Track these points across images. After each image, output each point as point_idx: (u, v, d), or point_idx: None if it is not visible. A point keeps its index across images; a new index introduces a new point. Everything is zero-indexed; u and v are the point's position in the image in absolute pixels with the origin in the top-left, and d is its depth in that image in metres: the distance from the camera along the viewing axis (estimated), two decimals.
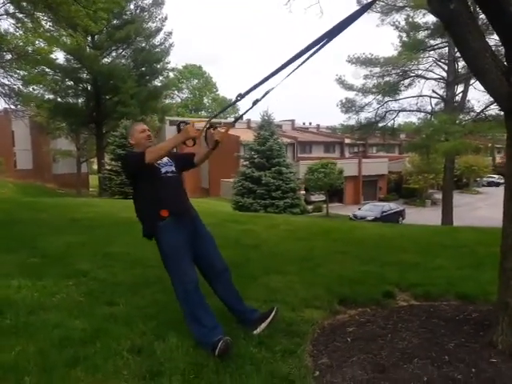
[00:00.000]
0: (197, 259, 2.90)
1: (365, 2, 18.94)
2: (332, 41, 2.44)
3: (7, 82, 16.40)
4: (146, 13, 30.75)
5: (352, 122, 21.96)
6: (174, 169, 2.99)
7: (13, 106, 19.38)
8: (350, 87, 20.76)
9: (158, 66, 32.55)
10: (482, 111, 18.56)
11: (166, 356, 2.54)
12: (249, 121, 43.87)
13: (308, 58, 2.52)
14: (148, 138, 3.00)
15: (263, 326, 2.89)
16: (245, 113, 3.11)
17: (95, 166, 35.83)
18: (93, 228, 7.29)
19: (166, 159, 2.98)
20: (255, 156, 24.12)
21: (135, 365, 2.45)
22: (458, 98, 20.61)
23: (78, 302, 3.45)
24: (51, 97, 30.13)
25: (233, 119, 3.61)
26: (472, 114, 20.17)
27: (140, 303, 3.47)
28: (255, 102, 2.79)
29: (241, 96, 2.69)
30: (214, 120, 2.97)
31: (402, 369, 2.35)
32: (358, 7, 2.38)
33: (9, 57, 15.48)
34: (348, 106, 21.02)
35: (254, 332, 2.84)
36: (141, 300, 3.56)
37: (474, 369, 2.28)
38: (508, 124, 2.53)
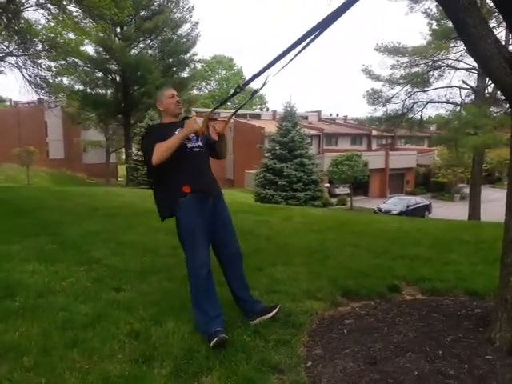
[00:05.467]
0: (213, 240, 2.88)
1: None
2: (326, 30, 2.39)
3: (38, 73, 16.87)
4: (173, 3, 30.96)
5: (379, 114, 21.55)
6: (200, 143, 2.89)
7: (43, 97, 19.94)
8: (376, 77, 20.32)
9: (185, 57, 32.79)
10: None
11: (161, 341, 2.60)
12: (274, 112, 43.73)
13: (305, 47, 2.48)
14: (178, 105, 2.90)
15: (262, 319, 2.88)
16: (244, 104, 3.12)
17: (124, 156, 36.61)
18: (112, 217, 7.47)
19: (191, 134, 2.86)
20: (277, 147, 24.02)
21: (130, 349, 2.52)
22: (489, 89, 19.84)
23: (86, 287, 3.55)
24: (81, 88, 30.89)
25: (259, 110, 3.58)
26: (505, 105, 19.38)
27: (145, 290, 3.55)
28: (254, 93, 2.79)
29: (240, 88, 2.66)
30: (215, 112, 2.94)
31: (393, 362, 2.32)
32: None
33: (39, 47, 15.93)
34: (375, 97, 20.59)
35: (251, 322, 2.85)
36: (147, 286, 3.64)
37: (468, 365, 2.23)
38: None
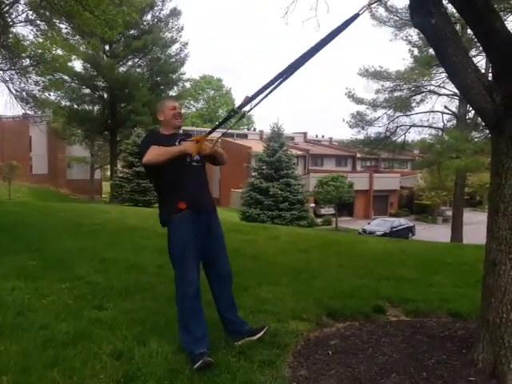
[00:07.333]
0: (204, 258, 2.85)
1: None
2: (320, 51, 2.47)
3: (24, 87, 16.74)
4: (162, 23, 31.31)
5: (362, 137, 21.96)
6: (198, 157, 2.87)
7: (29, 112, 19.76)
8: (360, 101, 20.79)
9: (174, 77, 33.02)
10: None
11: (144, 361, 2.55)
12: (261, 132, 44.17)
13: (293, 72, 2.55)
14: (176, 117, 2.92)
15: (248, 340, 2.85)
16: (231, 126, 3.13)
17: (109, 173, 36.31)
18: (96, 233, 7.37)
19: None
20: (264, 167, 24.21)
21: (112, 369, 2.47)
22: (470, 115, 20.43)
23: (68, 305, 3.48)
24: (68, 104, 30.72)
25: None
26: (485, 131, 19.94)
27: (128, 308, 3.49)
28: (242, 116, 2.83)
29: (234, 111, 2.70)
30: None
31: (378, 383, 2.32)
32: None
33: (27, 63, 15.88)
34: (357, 120, 21.02)
35: (236, 343, 2.82)
36: (130, 305, 3.58)
37: None
38: (493, 140, 2.52)
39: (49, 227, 7.79)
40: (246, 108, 2.63)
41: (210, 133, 2.82)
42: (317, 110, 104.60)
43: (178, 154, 2.71)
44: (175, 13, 31.34)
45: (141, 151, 2.79)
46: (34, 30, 13.26)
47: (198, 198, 2.82)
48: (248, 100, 2.59)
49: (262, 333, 2.89)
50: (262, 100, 2.59)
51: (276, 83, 2.55)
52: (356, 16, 2.32)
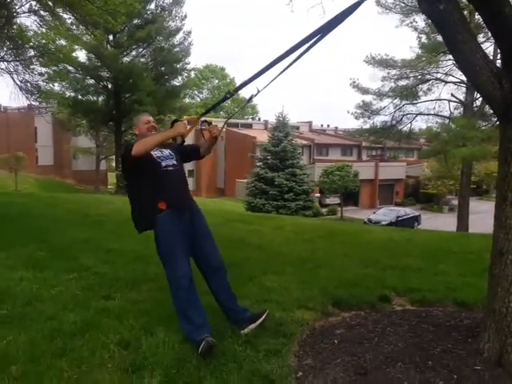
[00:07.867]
0: (194, 254, 2.91)
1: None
2: (324, 38, 2.42)
3: (29, 79, 16.76)
4: (166, 12, 31.06)
5: (368, 126, 21.82)
6: (175, 162, 2.97)
7: (34, 103, 19.80)
8: (365, 91, 20.60)
9: (178, 66, 32.83)
10: None
11: (151, 350, 2.57)
12: (266, 122, 43.97)
13: (299, 57, 2.52)
14: (150, 130, 2.99)
15: (252, 326, 2.88)
16: (238, 110, 3.14)
17: (114, 164, 36.39)
18: (102, 224, 7.43)
19: (167, 152, 2.98)
20: (269, 157, 24.17)
21: (120, 358, 2.49)
22: (477, 103, 20.20)
23: (75, 296, 3.52)
24: (72, 94, 30.69)
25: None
26: (492, 119, 19.72)
27: (135, 298, 3.53)
28: (249, 99, 2.82)
29: (230, 94, 2.71)
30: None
31: (384, 372, 2.33)
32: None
33: (31, 53, 15.87)
34: (363, 110, 20.85)
35: (242, 332, 2.84)
36: (136, 295, 3.62)
37: (457, 375, 2.24)
38: (501, 128, 2.49)
39: (55, 218, 7.86)
40: (251, 91, 2.63)
41: (204, 114, 2.83)
42: (322, 100, 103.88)
43: (170, 137, 2.80)
44: (178, 1, 31.05)
45: (124, 157, 2.83)
46: (38, 20, 13.23)
47: (176, 198, 2.89)
48: (244, 83, 2.59)
49: (263, 316, 2.91)
50: (268, 84, 2.58)
51: (280, 71, 2.53)
52: (359, 3, 2.27)
